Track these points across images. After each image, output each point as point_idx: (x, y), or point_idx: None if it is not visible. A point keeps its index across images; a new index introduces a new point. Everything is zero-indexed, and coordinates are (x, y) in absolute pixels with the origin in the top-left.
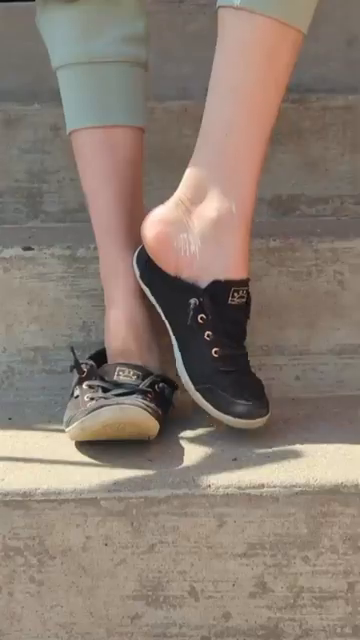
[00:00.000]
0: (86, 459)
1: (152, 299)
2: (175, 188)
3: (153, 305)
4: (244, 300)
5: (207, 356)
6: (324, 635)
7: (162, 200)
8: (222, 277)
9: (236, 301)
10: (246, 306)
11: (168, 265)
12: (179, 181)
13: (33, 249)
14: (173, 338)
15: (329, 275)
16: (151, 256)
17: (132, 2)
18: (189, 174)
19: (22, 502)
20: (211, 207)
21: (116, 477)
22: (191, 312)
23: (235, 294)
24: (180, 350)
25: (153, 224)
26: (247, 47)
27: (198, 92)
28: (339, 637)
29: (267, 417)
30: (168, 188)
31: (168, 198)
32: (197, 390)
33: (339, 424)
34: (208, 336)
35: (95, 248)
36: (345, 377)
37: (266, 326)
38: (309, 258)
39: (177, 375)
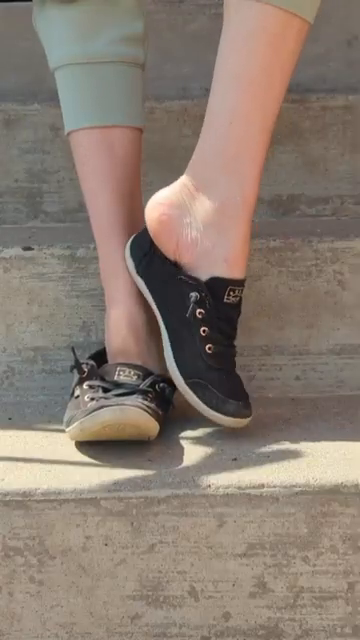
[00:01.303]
0: (86, 459)
1: (145, 291)
2: None
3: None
4: (238, 299)
5: (201, 352)
6: (324, 635)
7: None
8: (221, 265)
9: (231, 299)
10: (238, 304)
11: (168, 248)
12: None
13: (33, 249)
14: (164, 331)
15: (329, 275)
16: (152, 238)
17: (130, 2)
18: (194, 159)
19: (22, 502)
20: (214, 193)
21: (116, 477)
22: (191, 305)
23: (231, 293)
24: (172, 344)
25: (157, 205)
26: (251, 34)
27: (198, 92)
28: (339, 637)
29: (251, 418)
30: None
31: None
32: (187, 384)
33: (339, 424)
34: (204, 332)
35: (95, 248)
36: (345, 377)
37: (266, 326)
38: (309, 258)
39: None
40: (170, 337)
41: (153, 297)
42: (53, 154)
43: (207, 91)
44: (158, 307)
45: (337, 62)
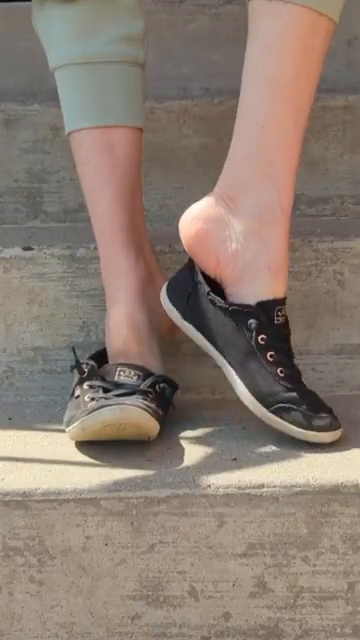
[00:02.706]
0: (86, 459)
1: (198, 336)
2: (175, 188)
3: (153, 306)
4: (284, 318)
5: (274, 376)
6: (324, 635)
7: (162, 200)
8: (265, 275)
9: (280, 319)
10: (287, 323)
11: (208, 265)
12: (179, 181)
13: (33, 249)
14: (229, 368)
15: (329, 275)
16: (190, 254)
17: (130, 2)
18: (226, 169)
19: (22, 502)
20: (252, 201)
21: (116, 477)
22: (254, 333)
23: (279, 313)
24: (241, 378)
25: (193, 220)
26: (281, 37)
27: (198, 92)
28: (339, 637)
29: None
30: (168, 188)
31: (168, 198)
32: (272, 412)
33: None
34: (271, 356)
35: (95, 248)
36: (345, 377)
37: None
38: (309, 258)
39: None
40: (238, 372)
41: (208, 339)
42: (53, 154)
43: (207, 91)
44: (216, 347)
45: (337, 62)
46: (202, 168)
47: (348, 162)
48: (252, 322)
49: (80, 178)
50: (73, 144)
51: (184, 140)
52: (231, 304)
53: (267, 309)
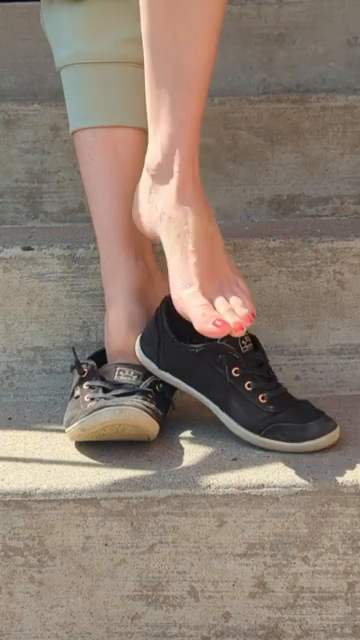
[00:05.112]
0: (86, 459)
1: (177, 382)
2: None
3: (153, 306)
4: (252, 346)
5: (257, 404)
6: (324, 635)
7: None
8: (167, 213)
9: (247, 347)
10: (257, 350)
11: (140, 227)
12: None
13: (33, 249)
14: (215, 406)
15: (329, 275)
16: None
17: (136, 3)
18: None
19: (22, 502)
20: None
21: (116, 477)
22: (226, 367)
23: (243, 341)
24: (227, 413)
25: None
26: None
27: None
28: (339, 637)
29: (338, 428)
30: None
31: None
32: (263, 436)
33: (339, 424)
34: (249, 386)
35: (95, 248)
36: (345, 377)
37: (266, 326)
38: (309, 258)
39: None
40: (223, 408)
41: (187, 383)
42: (53, 154)
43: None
44: (196, 389)
45: (337, 62)
46: (202, 168)
47: (348, 162)
48: (222, 357)
49: (82, 177)
50: (77, 143)
51: None
52: (197, 347)
53: (231, 341)
